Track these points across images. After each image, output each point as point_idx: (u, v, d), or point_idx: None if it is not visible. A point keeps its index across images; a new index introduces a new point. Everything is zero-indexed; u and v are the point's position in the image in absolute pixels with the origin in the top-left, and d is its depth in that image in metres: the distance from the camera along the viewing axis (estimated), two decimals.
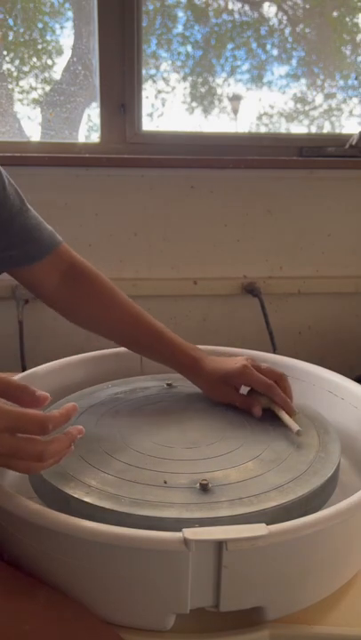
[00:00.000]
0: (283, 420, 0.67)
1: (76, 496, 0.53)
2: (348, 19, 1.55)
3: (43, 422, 0.45)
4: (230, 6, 1.49)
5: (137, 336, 0.78)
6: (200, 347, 0.77)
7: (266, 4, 1.50)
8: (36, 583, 0.50)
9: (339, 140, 1.50)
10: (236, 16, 1.50)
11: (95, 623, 0.48)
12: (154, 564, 0.45)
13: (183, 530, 0.45)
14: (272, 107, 1.59)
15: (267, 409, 0.71)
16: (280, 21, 1.53)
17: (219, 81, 1.57)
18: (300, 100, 1.59)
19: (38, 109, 1.49)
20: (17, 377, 0.77)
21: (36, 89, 1.48)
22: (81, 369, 0.88)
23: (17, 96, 1.47)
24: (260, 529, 0.46)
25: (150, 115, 1.51)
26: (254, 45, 1.54)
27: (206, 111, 1.59)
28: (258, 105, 1.58)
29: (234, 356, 0.74)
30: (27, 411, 0.45)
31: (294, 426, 0.65)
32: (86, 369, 0.88)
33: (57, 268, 0.78)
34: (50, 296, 0.79)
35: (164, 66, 1.51)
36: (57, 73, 1.48)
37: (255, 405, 0.69)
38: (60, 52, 1.47)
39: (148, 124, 1.47)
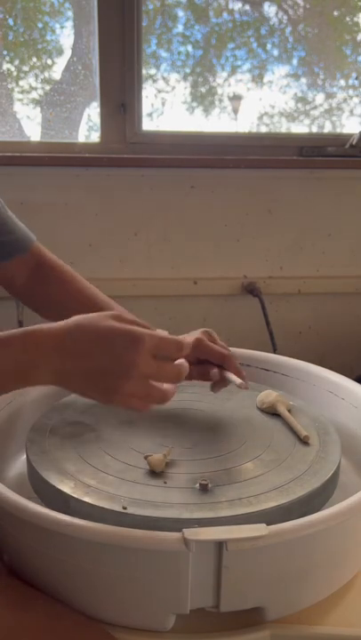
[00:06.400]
0: (291, 425, 0.67)
1: (75, 496, 0.52)
2: (348, 18, 1.55)
3: (180, 344, 0.53)
4: (231, 6, 1.49)
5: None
6: None
7: (266, 4, 1.50)
8: (33, 593, 0.50)
9: (339, 140, 1.50)
10: (237, 16, 1.50)
11: (96, 633, 0.47)
12: (154, 564, 0.45)
13: (183, 530, 0.45)
14: (273, 106, 1.59)
15: (273, 413, 0.71)
16: (280, 21, 1.53)
17: (219, 81, 1.56)
18: (301, 99, 1.59)
19: (38, 109, 1.49)
20: None
21: (35, 89, 1.48)
22: None
23: (17, 96, 1.47)
24: (260, 529, 0.46)
25: (150, 115, 1.51)
26: (255, 45, 1.54)
27: (207, 111, 1.59)
28: (258, 105, 1.58)
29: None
30: (166, 335, 0.53)
31: (302, 431, 0.65)
32: None
33: (27, 265, 0.82)
34: (18, 291, 0.84)
35: (164, 66, 1.50)
36: (57, 73, 1.48)
37: (209, 371, 0.67)
38: (60, 52, 1.47)
39: (148, 124, 1.47)
